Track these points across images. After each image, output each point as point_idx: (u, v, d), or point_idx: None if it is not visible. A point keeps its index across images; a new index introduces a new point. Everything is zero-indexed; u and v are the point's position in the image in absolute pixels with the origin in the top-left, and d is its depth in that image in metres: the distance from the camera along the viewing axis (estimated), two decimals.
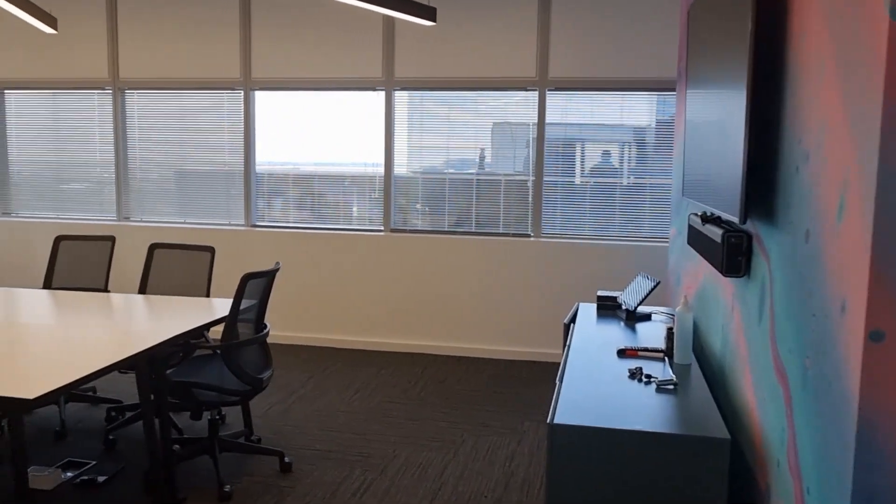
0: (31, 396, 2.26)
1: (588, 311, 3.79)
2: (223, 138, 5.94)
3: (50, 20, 3.72)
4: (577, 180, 5.38)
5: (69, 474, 3.43)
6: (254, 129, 5.88)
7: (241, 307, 3.26)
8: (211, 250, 4.05)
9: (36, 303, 3.64)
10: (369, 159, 5.72)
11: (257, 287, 3.37)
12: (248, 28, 5.75)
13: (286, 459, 3.53)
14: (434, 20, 4.25)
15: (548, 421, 2.19)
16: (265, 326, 3.52)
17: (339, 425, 4.10)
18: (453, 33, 5.42)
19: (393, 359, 5.46)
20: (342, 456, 3.69)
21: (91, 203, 6.26)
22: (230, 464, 3.57)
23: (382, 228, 5.73)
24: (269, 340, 5.90)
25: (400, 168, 5.67)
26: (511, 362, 5.41)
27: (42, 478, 3.33)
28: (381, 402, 4.50)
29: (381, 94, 5.61)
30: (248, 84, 5.81)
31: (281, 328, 5.89)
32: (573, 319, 3.62)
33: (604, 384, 2.55)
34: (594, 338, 3.23)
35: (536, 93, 5.36)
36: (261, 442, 3.85)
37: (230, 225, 5.98)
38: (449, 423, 4.17)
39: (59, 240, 4.32)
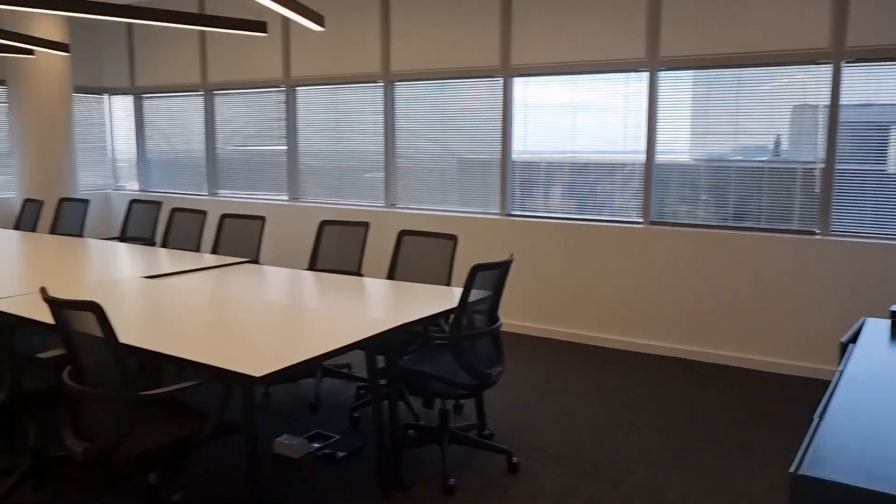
0: (258, 374, 2.35)
1: (878, 329, 3.11)
2: (481, 126, 5.95)
3: (317, 18, 3.93)
4: (892, 168, 4.49)
5: (315, 445, 3.63)
6: (511, 116, 5.81)
7: (474, 298, 3.16)
8: (454, 238, 4.03)
9: (295, 283, 3.91)
10: (636, 146, 5.35)
11: (489, 278, 3.25)
12: (508, 14, 5.68)
13: (514, 460, 3.39)
14: None
15: (791, 470, 1.74)
16: (497, 319, 3.39)
17: (574, 428, 3.86)
18: (725, 2, 4.83)
19: (643, 361, 5.07)
20: (573, 463, 3.45)
21: (364, 189, 6.69)
22: (458, 457, 3.52)
23: (641, 220, 5.33)
24: (510, 331, 5.82)
25: (681, 155, 5.21)
26: (780, 377, 4.72)
27: (290, 446, 3.56)
28: (624, 408, 4.16)
29: (644, 76, 5.19)
30: (507, 71, 5.74)
31: (524, 319, 5.78)
32: (854, 338, 2.98)
33: (890, 431, 2.00)
34: (883, 365, 2.60)
35: (830, 66, 4.57)
36: (493, 438, 3.75)
37: (485, 213, 5.99)
38: (699, 440, 3.72)
39: (322, 224, 4.61)
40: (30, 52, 5.82)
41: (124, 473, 3.20)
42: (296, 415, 4.05)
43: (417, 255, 4.15)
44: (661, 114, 5.18)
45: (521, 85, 5.74)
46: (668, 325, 5.22)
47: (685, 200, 5.19)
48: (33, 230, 6.06)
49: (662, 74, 5.14)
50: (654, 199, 5.27)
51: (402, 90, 6.33)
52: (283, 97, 7.07)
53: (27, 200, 6.34)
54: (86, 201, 5.98)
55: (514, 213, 5.90)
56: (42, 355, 2.70)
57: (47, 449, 3.20)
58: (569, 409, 4.14)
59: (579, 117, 5.54)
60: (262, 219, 4.80)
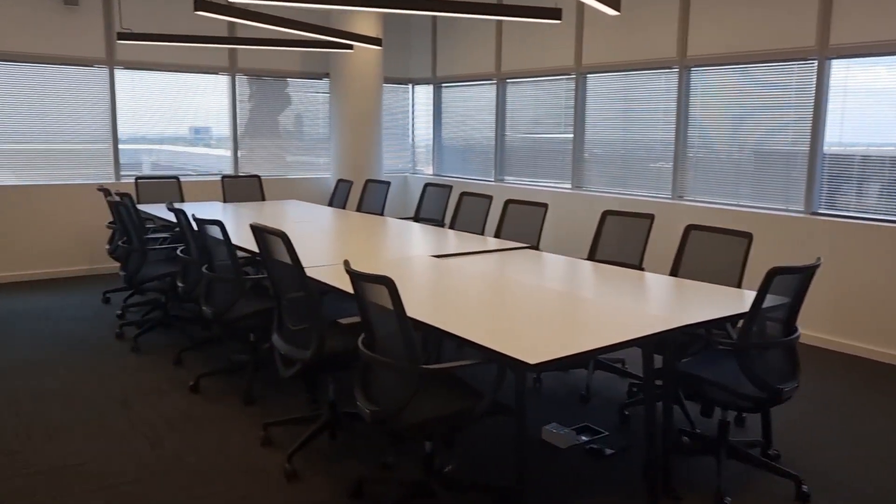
0: (533, 361, 2.35)
1: None
2: (787, 115, 5.39)
3: (613, 1, 3.83)
4: None
5: (583, 438, 3.58)
6: (826, 103, 5.17)
7: (769, 304, 2.87)
8: (748, 236, 3.70)
9: (574, 272, 3.88)
10: None
11: (789, 283, 2.92)
12: None
13: (804, 488, 3.03)
14: None
15: None
16: (795, 330, 3.04)
17: (873, 460, 3.35)
18: None
19: None
20: (872, 502, 2.99)
21: (650, 180, 6.45)
22: (736, 474, 3.23)
23: None
24: (807, 343, 5.21)
25: None
26: None
27: (557, 435, 3.55)
28: None
29: None
30: (824, 53, 5.12)
31: (825, 331, 5.14)
32: None
33: None
34: None
35: None
36: (778, 459, 3.39)
37: (786, 211, 5.43)
38: None
39: (605, 214, 4.52)
40: (349, 46, 6.47)
41: (404, 438, 3.50)
42: (565, 404, 4.04)
43: (705, 252, 3.89)
44: None
45: (840, 68, 5.08)
46: None
47: None
48: (343, 207, 6.77)
49: None
50: None
51: (699, 76, 5.96)
52: (572, 85, 7.06)
53: (340, 181, 7.10)
54: (387, 183, 6.53)
55: (820, 211, 5.27)
56: (342, 321, 2.99)
57: (343, 405, 3.56)
58: (868, 438, 3.61)
59: None
60: (545, 206, 4.84)
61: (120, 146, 7.41)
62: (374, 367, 2.65)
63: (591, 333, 2.66)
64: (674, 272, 3.97)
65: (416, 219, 6.18)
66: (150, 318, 5.59)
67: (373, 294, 2.53)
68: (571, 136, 7.13)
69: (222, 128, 8.05)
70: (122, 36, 5.94)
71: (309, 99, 8.50)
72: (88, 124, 7.23)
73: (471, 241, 4.69)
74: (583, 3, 6.83)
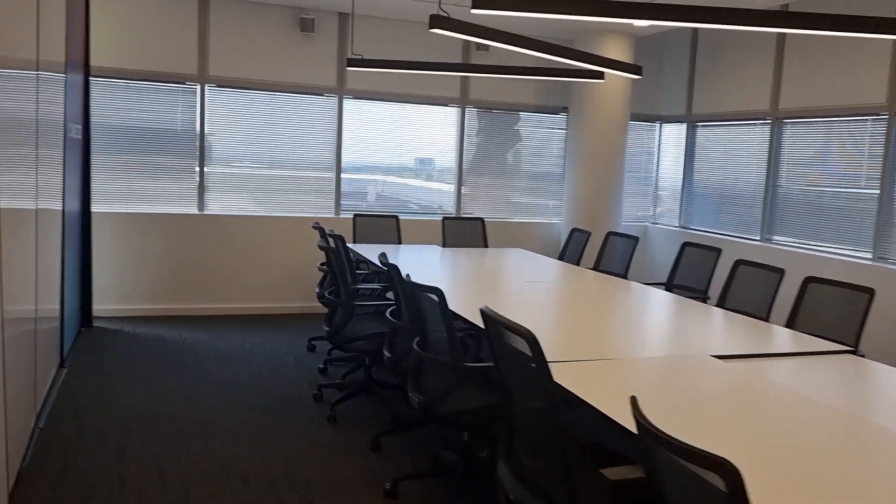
0: None
1: None
2: None
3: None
4: None
5: None
6: None
7: None
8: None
9: None
10: None
11: None
12: None
13: None
14: None
15: None
16: None
17: None
18: None
19: None
20: None
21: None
22: None
23: None
24: None
25: None
26: None
27: None
28: None
29: None
30: None
31: None
32: None
33: None
34: None
35: None
36: None
37: None
38: None
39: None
40: (599, 75, 5.48)
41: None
42: None
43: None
44: None
45: None
46: None
47: None
48: (577, 263, 5.75)
49: None
50: None
51: None
52: (882, 127, 5.51)
53: (575, 231, 6.10)
54: (634, 238, 5.43)
55: None
56: (608, 472, 1.98)
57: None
58: None
59: None
60: (869, 292, 3.48)
61: (343, 175, 7.01)
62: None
63: None
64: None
65: (670, 286, 5.01)
66: (350, 380, 4.90)
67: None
68: (877, 191, 5.55)
69: (446, 161, 7.41)
70: (351, 62, 5.45)
71: (542, 136, 7.64)
72: (313, 154, 6.90)
73: (760, 333, 3.44)
74: None
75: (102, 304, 6.28)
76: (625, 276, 5.26)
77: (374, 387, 4.60)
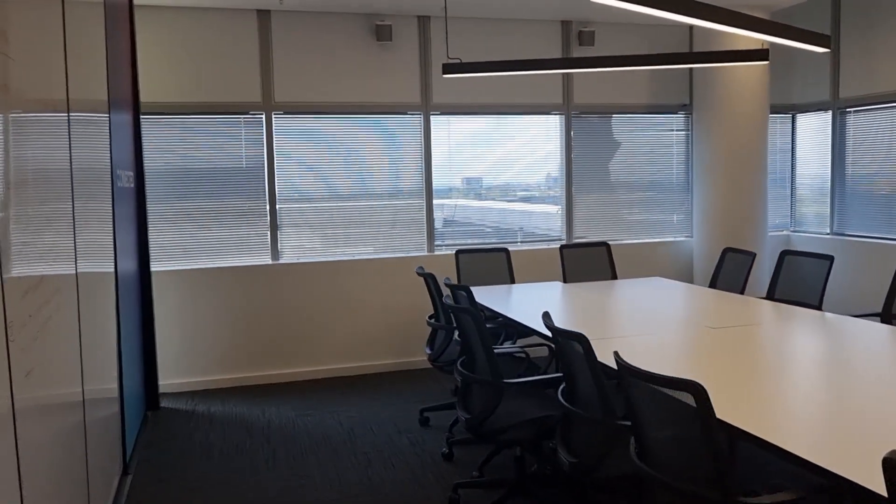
0: None
1: None
2: None
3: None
4: None
5: None
6: None
7: None
8: None
9: None
10: None
11: None
12: None
13: None
14: None
15: None
16: None
17: None
18: None
19: None
20: None
21: None
22: None
23: None
24: None
25: None
26: None
27: None
28: None
29: None
30: None
31: None
32: None
33: None
34: None
35: None
36: None
37: None
38: None
39: None
40: (742, 57, 4.34)
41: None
42: None
43: None
44: None
45: None
46: None
47: None
48: (741, 292, 4.59)
49: None
50: None
51: None
52: None
53: (728, 251, 4.94)
54: (828, 258, 4.25)
55: None
56: None
57: None
58: None
59: None
60: None
61: (435, 201, 6.00)
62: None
63: None
64: None
65: (887, 317, 3.83)
66: (493, 475, 3.76)
67: None
68: None
69: (547, 178, 6.35)
70: (447, 69, 4.47)
71: (659, 140, 6.52)
72: (400, 182, 5.92)
73: None
74: None
75: (169, 379, 5.38)
76: (819, 307, 4.10)
77: (532, 485, 3.48)
